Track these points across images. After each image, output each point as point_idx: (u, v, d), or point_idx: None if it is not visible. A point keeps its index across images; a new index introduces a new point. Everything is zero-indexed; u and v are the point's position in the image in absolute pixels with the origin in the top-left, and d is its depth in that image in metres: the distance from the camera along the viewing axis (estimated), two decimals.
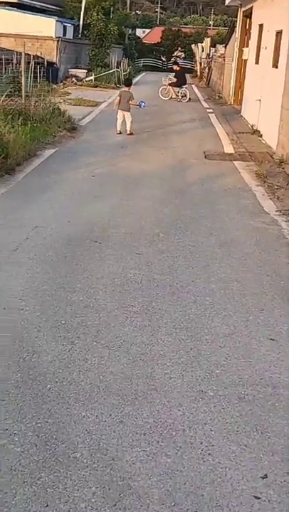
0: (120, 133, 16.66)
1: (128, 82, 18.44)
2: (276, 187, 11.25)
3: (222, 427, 4.12)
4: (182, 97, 27.98)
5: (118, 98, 16.87)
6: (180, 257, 7.39)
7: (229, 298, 6.26)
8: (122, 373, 4.69)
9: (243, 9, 24.38)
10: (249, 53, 21.69)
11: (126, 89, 17.36)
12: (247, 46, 23.10)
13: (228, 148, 15.45)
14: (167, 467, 3.70)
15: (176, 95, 27.99)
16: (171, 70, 30.30)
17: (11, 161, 11.34)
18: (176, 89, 28.15)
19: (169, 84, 28.48)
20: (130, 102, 16.74)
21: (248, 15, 23.42)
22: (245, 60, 22.99)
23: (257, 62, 19.32)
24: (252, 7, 21.58)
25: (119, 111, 16.69)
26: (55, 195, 10.02)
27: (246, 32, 24.20)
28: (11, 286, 6.20)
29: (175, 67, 29.62)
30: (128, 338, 5.26)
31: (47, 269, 6.70)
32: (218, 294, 6.35)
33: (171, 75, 30.08)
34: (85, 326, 5.43)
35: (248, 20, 23.84)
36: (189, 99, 28.00)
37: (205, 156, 14.28)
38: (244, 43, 24.47)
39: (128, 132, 16.55)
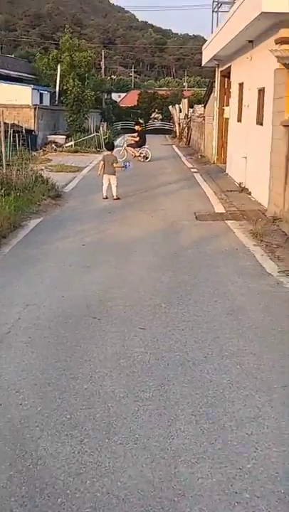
0: (106, 198, 16.27)
1: (110, 146, 18.14)
2: (274, 246, 10.79)
3: None
4: (144, 157, 27.68)
5: (102, 162, 16.55)
6: (186, 329, 6.82)
7: (247, 374, 5.68)
8: (141, 477, 4.06)
9: (221, 69, 24.48)
10: (230, 112, 21.59)
11: (109, 153, 17.05)
12: (227, 105, 23.08)
13: (219, 208, 15.03)
14: None
15: (137, 155, 27.64)
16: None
17: None
18: (138, 149, 27.87)
19: (129, 145, 28.08)
20: (114, 164, 16.41)
21: (226, 74, 23.52)
22: (227, 119, 22.94)
23: (239, 120, 19.14)
24: (230, 66, 21.59)
25: (105, 175, 16.34)
26: (44, 267, 9.45)
27: (225, 91, 24.26)
28: (6, 376, 5.55)
29: (137, 127, 29.30)
30: (143, 431, 4.64)
31: (44, 354, 6.06)
32: (234, 370, 5.76)
33: (128, 136, 30.05)
34: (94, 419, 4.79)
35: (226, 79, 23.93)
36: (149, 159, 27.60)
37: (196, 217, 13.83)
38: (224, 102, 24.49)
39: (114, 197, 16.16)
